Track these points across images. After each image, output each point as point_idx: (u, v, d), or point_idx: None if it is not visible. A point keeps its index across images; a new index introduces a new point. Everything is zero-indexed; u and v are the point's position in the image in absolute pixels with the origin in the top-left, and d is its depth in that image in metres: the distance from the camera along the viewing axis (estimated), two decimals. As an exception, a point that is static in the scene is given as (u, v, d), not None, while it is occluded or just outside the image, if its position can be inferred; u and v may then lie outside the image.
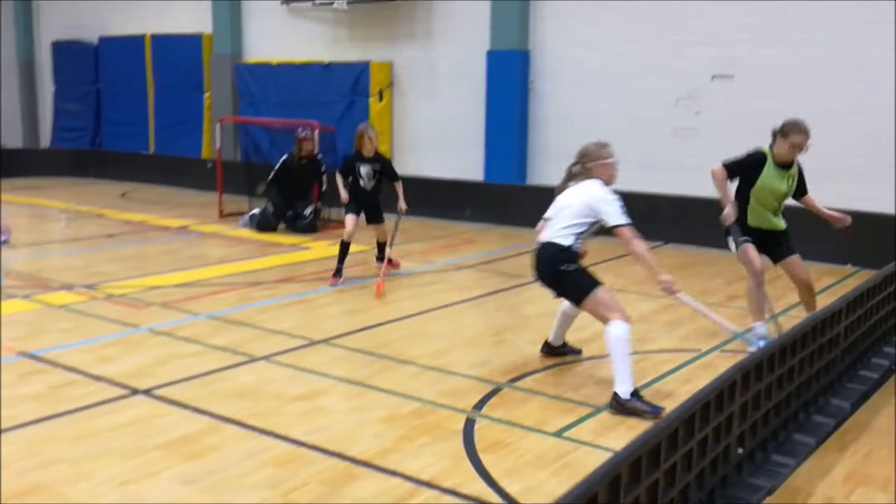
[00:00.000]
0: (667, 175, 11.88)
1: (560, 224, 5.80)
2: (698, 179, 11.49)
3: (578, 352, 6.56)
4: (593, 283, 5.66)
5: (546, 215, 6.12)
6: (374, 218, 9.43)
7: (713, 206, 11.06)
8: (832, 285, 9.03)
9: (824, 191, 10.64)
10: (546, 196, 12.57)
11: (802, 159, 7.12)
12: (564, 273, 5.71)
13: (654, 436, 3.45)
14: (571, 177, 6.08)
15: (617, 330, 5.44)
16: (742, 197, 6.92)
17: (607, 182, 5.90)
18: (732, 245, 6.88)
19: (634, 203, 11.67)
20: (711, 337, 7.10)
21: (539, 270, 5.89)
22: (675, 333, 7.25)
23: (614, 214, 5.66)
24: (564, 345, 6.56)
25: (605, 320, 5.55)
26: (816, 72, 10.70)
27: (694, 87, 11.71)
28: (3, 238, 10.06)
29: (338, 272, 9.01)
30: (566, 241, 5.71)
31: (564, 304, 6.23)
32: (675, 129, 11.86)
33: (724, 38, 11.35)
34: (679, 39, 11.70)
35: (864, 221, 10.21)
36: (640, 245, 5.66)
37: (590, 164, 5.93)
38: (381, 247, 9.54)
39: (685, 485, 3.71)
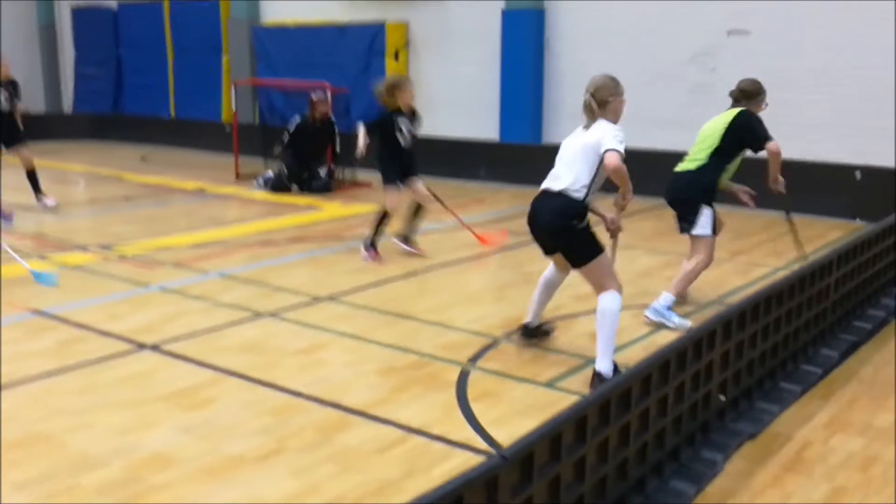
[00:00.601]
0: (682, 132, 11.77)
1: (571, 174, 5.25)
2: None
3: (553, 330, 5.99)
4: (600, 246, 5.24)
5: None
6: (412, 179, 8.57)
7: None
8: (839, 239, 8.99)
9: (836, 145, 10.64)
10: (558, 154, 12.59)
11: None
12: (574, 230, 5.19)
13: (626, 380, 3.54)
14: (590, 117, 5.37)
15: (613, 303, 5.13)
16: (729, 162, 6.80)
17: (615, 121, 5.36)
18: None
19: (649, 160, 11.82)
20: (713, 290, 7.14)
21: (543, 222, 5.33)
22: (677, 288, 7.28)
23: (612, 141, 5.13)
24: (541, 325, 5.94)
25: (601, 289, 5.19)
26: (832, 26, 10.58)
27: (709, 43, 11.62)
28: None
29: (373, 245, 8.30)
30: (579, 193, 5.21)
31: (548, 273, 5.72)
32: (691, 86, 11.79)
33: (740, -8, 11.25)
34: (694, -6, 11.61)
35: (878, 176, 10.18)
36: (624, 169, 5.18)
37: (611, 98, 5.33)
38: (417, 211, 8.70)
39: (660, 428, 3.80)
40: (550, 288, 5.78)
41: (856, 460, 4.21)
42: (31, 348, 5.79)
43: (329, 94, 12.56)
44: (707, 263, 6.55)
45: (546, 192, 5.36)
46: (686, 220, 6.58)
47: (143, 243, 8.95)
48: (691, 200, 6.57)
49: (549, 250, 5.50)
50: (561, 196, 5.24)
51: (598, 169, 5.23)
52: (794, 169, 10.64)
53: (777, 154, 6.55)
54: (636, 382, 3.54)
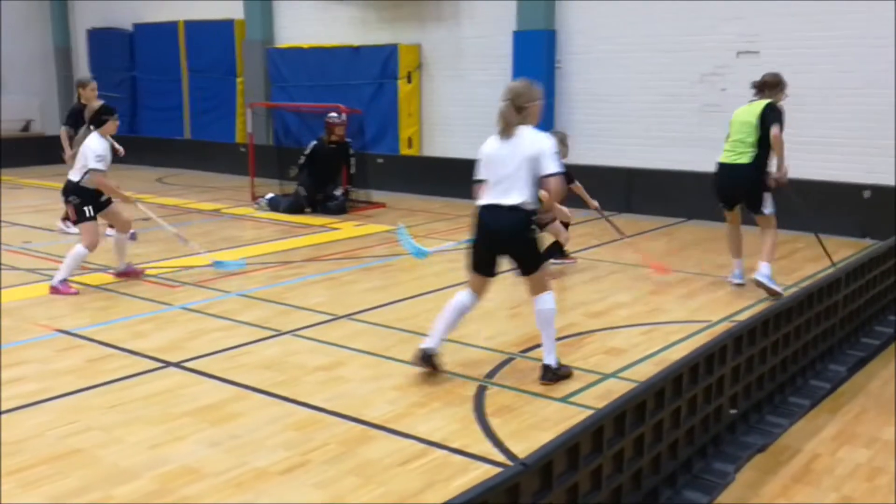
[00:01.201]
0: (692, 151, 11.98)
1: (524, 188, 5.32)
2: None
3: (438, 366, 5.77)
4: (544, 253, 5.55)
5: (482, 176, 5.63)
6: None
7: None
8: (848, 258, 9.10)
9: (845, 164, 10.77)
10: (573, 174, 12.77)
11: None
12: (532, 240, 5.41)
13: (641, 393, 3.68)
14: (509, 125, 5.43)
15: (552, 301, 5.51)
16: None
17: (535, 124, 5.45)
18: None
19: (659, 178, 12.01)
20: (724, 308, 7.27)
21: (504, 237, 5.42)
22: (688, 305, 7.43)
23: (554, 164, 5.27)
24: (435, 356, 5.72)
25: (542, 291, 5.52)
26: (842, 46, 10.73)
27: (719, 64, 11.79)
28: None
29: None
30: (533, 205, 5.36)
31: (464, 297, 5.73)
32: (701, 106, 11.95)
33: (749, 14, 11.41)
34: (704, 16, 11.78)
35: (886, 195, 10.30)
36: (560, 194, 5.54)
37: (528, 104, 5.41)
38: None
39: (673, 440, 3.93)
40: (462, 312, 5.78)
41: (862, 471, 4.33)
42: (59, 366, 5.95)
43: (344, 116, 12.76)
44: (777, 234, 7.85)
45: (499, 207, 5.39)
46: (755, 205, 7.81)
47: (163, 264, 9.14)
48: (756, 187, 7.75)
49: (489, 268, 5.63)
50: (519, 210, 5.35)
51: (537, 180, 5.39)
52: (803, 187, 10.84)
53: (779, 141, 7.68)
54: (650, 395, 3.68)
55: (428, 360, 5.69)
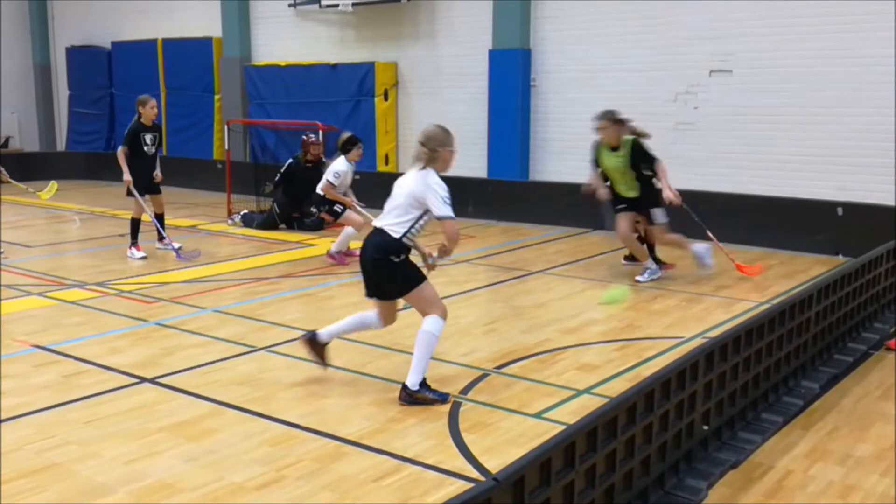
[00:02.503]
0: (669, 169, 12.08)
1: (394, 213, 5.67)
2: (698, 173, 11.81)
3: (325, 364, 6.05)
4: (420, 277, 5.66)
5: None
6: None
7: (711, 200, 11.42)
8: (821, 275, 9.24)
9: (818, 181, 10.93)
10: (547, 191, 12.90)
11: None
12: (392, 263, 5.61)
13: (612, 408, 3.73)
14: (421, 164, 5.74)
15: (432, 326, 5.57)
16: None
17: (443, 170, 5.74)
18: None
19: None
20: (696, 324, 7.36)
21: (366, 257, 5.69)
22: (661, 322, 7.51)
23: (441, 205, 5.56)
24: (325, 350, 5.99)
25: (424, 314, 5.66)
26: (814, 65, 10.91)
27: (693, 83, 11.94)
28: None
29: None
30: (397, 231, 5.61)
31: (371, 313, 5.98)
32: (675, 124, 12.09)
33: (722, 33, 11.57)
34: (677, 36, 11.95)
35: (859, 212, 10.46)
36: (457, 237, 5.74)
37: (439, 149, 5.68)
38: None
39: (645, 456, 3.99)
40: (362, 326, 6.04)
41: (835, 489, 4.39)
42: (36, 381, 5.94)
43: (320, 136, 12.79)
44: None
45: (375, 229, 5.74)
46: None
47: (139, 280, 9.12)
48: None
49: (370, 289, 5.82)
50: (383, 234, 5.64)
51: (420, 216, 5.66)
52: (777, 205, 11.01)
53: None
54: (622, 411, 3.73)
55: (311, 342, 5.93)
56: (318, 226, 12.58)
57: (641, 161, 8.90)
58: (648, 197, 9.02)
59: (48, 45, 20.95)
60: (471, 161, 13.98)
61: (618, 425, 3.71)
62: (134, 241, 10.35)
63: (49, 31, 20.97)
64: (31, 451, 4.78)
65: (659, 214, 9.02)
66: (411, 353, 6.49)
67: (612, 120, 8.93)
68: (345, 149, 10.33)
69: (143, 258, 10.19)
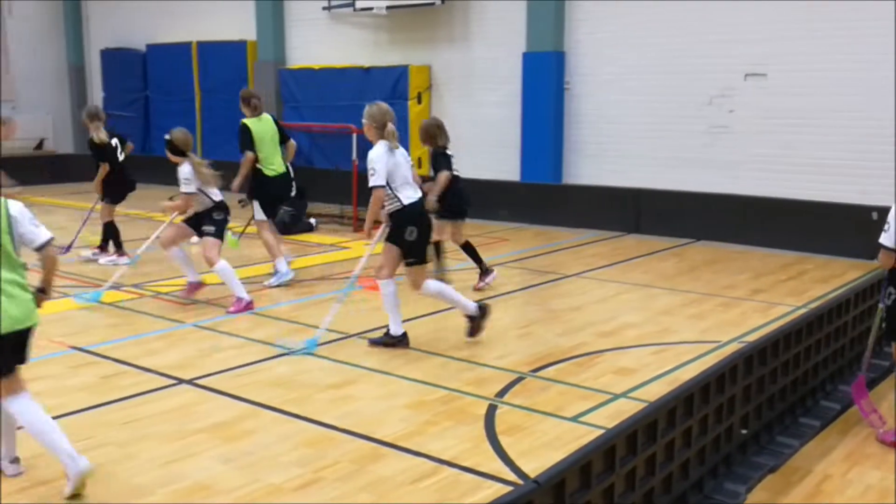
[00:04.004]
0: (701, 172, 12.04)
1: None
2: (731, 176, 11.71)
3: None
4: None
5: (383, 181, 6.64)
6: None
7: (744, 203, 11.32)
8: (857, 279, 9.12)
9: (853, 185, 10.77)
10: (581, 194, 12.83)
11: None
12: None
13: (652, 412, 3.70)
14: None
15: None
16: None
17: (373, 142, 6.74)
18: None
19: (668, 199, 12.05)
20: (733, 328, 7.29)
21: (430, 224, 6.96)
22: (698, 326, 7.45)
23: (371, 179, 6.64)
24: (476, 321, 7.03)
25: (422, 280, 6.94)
26: (849, 68, 10.76)
27: (727, 86, 11.83)
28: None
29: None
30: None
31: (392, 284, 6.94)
32: (709, 128, 11.99)
33: (756, 36, 11.46)
34: (712, 38, 11.83)
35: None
36: (373, 206, 6.78)
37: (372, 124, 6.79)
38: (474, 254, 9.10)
39: (685, 460, 3.95)
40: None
41: (873, 492, 4.34)
42: (73, 383, 6.01)
43: (355, 138, 12.84)
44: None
45: (419, 199, 6.92)
46: None
47: (174, 282, 9.19)
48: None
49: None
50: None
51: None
52: (811, 209, 10.89)
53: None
54: (662, 415, 3.71)
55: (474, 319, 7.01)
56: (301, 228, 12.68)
57: None
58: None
59: (82, 46, 21.19)
60: (504, 164, 13.98)
61: (657, 429, 3.68)
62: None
63: (83, 32, 21.21)
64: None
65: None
66: (445, 356, 6.59)
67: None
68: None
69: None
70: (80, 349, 6.76)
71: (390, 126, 6.73)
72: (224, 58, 17.65)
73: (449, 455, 4.78)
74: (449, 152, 9.00)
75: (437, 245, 8.89)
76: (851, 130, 10.84)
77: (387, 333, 6.92)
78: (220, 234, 8.31)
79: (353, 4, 15.15)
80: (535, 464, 4.60)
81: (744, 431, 4.52)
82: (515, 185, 13.75)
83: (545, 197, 13.33)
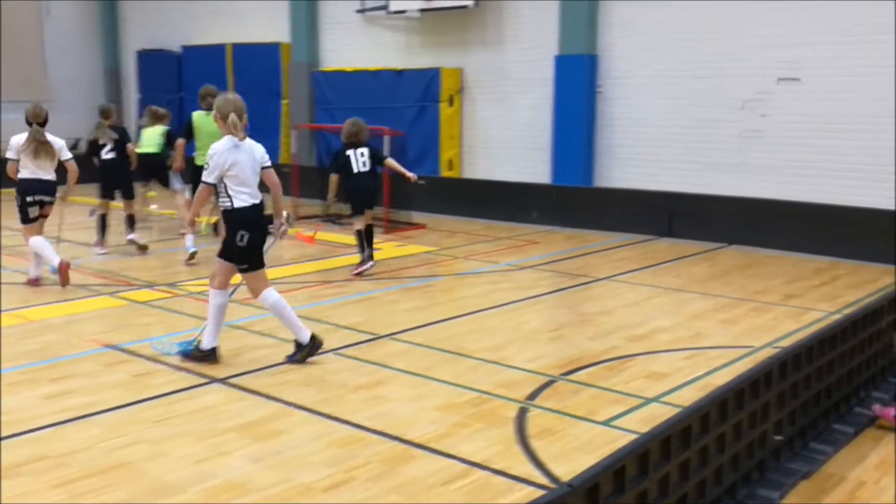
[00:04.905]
0: (733, 176, 11.96)
1: (255, 184, 6.35)
2: (762, 180, 11.61)
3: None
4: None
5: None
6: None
7: (776, 208, 11.21)
8: (890, 285, 8.99)
9: (886, 190, 10.62)
10: (613, 197, 12.79)
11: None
12: None
13: (686, 417, 3.67)
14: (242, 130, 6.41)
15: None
16: None
17: (235, 135, 6.29)
18: None
19: (700, 203, 11.97)
20: (766, 333, 7.22)
21: (265, 228, 6.43)
22: (730, 331, 7.38)
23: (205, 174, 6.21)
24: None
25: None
26: (883, 73, 10.64)
27: (760, 90, 11.74)
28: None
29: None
30: None
31: (222, 295, 6.54)
32: (742, 132, 11.90)
33: (790, 40, 11.36)
34: (745, 42, 11.75)
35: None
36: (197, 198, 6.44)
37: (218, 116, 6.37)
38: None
39: (718, 466, 3.92)
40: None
41: (908, 501, 4.28)
42: (106, 380, 6.06)
43: (387, 140, 12.89)
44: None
45: (260, 203, 6.32)
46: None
47: (207, 281, 9.23)
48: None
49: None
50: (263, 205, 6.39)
51: None
52: (844, 214, 10.76)
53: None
54: (696, 420, 3.67)
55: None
56: None
57: None
58: None
59: (118, 48, 21.43)
60: (534, 167, 13.96)
61: (691, 434, 3.65)
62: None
63: (119, 34, 21.46)
64: (101, 450, 4.87)
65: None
66: (476, 359, 6.57)
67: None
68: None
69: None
70: (114, 347, 6.82)
71: (232, 117, 6.19)
72: (258, 60, 17.78)
73: (480, 457, 4.76)
74: (348, 152, 9.85)
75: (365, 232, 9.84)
76: (885, 135, 10.71)
77: (197, 347, 6.47)
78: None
79: (386, 7, 15.21)
80: (567, 467, 4.58)
81: (778, 437, 4.47)
82: (546, 188, 13.73)
83: (576, 200, 13.29)
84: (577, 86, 13.20)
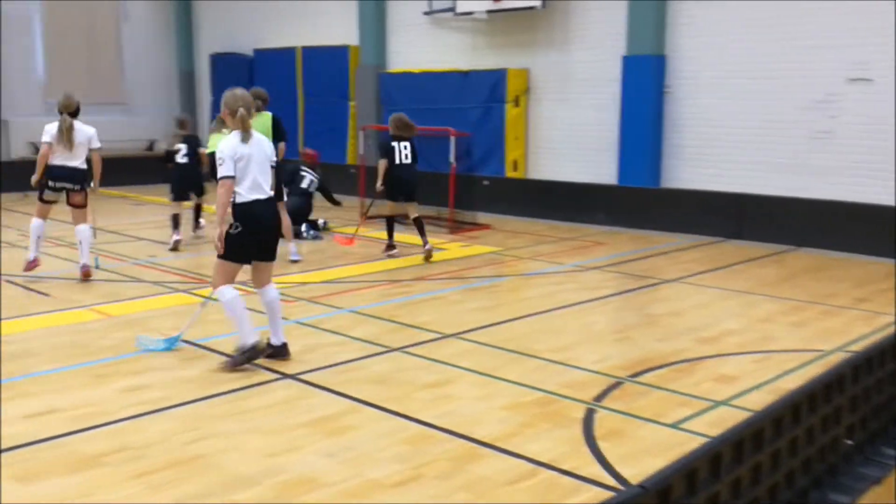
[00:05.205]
0: (802, 178, 11.75)
1: (266, 179, 6.33)
2: (830, 182, 11.39)
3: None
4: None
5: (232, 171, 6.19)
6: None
7: (844, 210, 10.99)
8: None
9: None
10: (680, 198, 12.64)
11: None
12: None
13: (759, 420, 3.65)
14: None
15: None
16: None
17: (239, 130, 6.30)
18: None
19: (769, 205, 11.80)
20: (837, 337, 7.11)
21: (272, 222, 6.45)
22: (800, 334, 7.28)
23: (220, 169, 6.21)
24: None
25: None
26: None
27: (830, 91, 11.51)
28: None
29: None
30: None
31: (232, 292, 6.47)
32: (812, 132, 11.69)
33: (860, 40, 11.11)
34: (814, 43, 11.53)
35: None
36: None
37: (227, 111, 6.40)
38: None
39: (790, 470, 3.88)
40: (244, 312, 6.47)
41: (985, 510, 4.19)
42: (182, 375, 6.23)
43: (453, 141, 12.97)
44: None
45: (268, 200, 6.31)
46: None
47: (279, 279, 9.40)
48: None
49: (265, 253, 6.50)
50: (272, 200, 6.39)
51: None
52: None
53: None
54: (768, 423, 3.65)
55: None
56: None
57: None
58: None
59: (192, 51, 21.91)
60: (600, 167, 13.90)
61: (764, 438, 3.62)
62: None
63: (194, 38, 21.93)
64: (177, 443, 5.01)
65: None
66: (542, 359, 6.59)
67: None
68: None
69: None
70: (190, 342, 7.00)
71: (241, 112, 6.22)
72: (327, 62, 18.01)
73: (547, 457, 4.79)
74: (393, 143, 10.81)
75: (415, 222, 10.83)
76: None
77: (238, 349, 6.36)
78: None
79: (453, 8, 15.28)
80: (635, 469, 4.59)
81: (849, 442, 4.41)
82: (612, 189, 13.66)
83: (643, 200, 13.19)
84: (645, 86, 13.11)
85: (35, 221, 9.27)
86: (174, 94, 21.88)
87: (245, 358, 6.31)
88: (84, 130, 9.09)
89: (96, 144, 9.21)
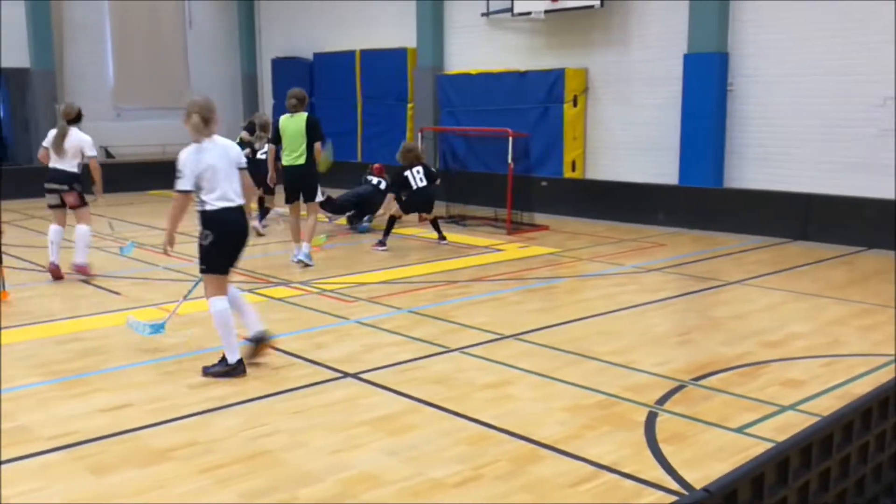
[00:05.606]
0: (870, 177, 11.50)
1: (233, 186, 6.21)
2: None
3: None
4: None
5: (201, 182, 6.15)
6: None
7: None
8: None
9: None
10: (744, 199, 12.45)
11: None
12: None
13: (828, 425, 3.58)
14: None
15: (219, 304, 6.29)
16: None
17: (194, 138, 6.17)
18: None
19: (837, 205, 11.56)
20: (909, 342, 6.95)
21: (244, 229, 6.37)
22: (870, 338, 7.12)
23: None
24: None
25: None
26: None
27: (899, 88, 11.26)
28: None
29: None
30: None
31: (222, 302, 6.31)
32: (880, 131, 11.44)
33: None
34: (880, 39, 11.28)
35: None
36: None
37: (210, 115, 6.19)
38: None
39: (860, 477, 3.80)
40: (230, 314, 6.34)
41: None
42: (248, 372, 6.30)
43: (511, 142, 12.95)
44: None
45: (237, 206, 6.22)
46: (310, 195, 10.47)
47: (339, 280, 9.53)
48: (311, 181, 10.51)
49: (234, 260, 6.40)
50: (242, 208, 6.33)
51: None
52: None
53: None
54: (838, 428, 3.58)
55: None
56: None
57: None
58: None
59: (255, 56, 22.25)
60: (661, 167, 13.76)
61: (833, 443, 3.56)
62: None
63: (256, 43, 22.27)
64: (243, 438, 5.09)
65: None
66: (602, 361, 6.55)
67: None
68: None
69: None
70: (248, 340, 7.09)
71: (194, 118, 6.06)
72: (385, 65, 18.14)
73: (608, 460, 4.76)
74: (406, 173, 11.80)
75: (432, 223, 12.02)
76: None
77: (221, 360, 6.30)
78: None
79: (511, 9, 15.26)
80: (699, 474, 4.54)
81: (923, 450, 4.31)
82: (673, 189, 13.52)
83: (705, 201, 13.03)
84: (708, 84, 12.94)
85: (51, 227, 9.53)
86: (237, 97, 22.22)
87: (224, 371, 6.22)
88: (78, 138, 9.36)
89: (90, 153, 9.39)
